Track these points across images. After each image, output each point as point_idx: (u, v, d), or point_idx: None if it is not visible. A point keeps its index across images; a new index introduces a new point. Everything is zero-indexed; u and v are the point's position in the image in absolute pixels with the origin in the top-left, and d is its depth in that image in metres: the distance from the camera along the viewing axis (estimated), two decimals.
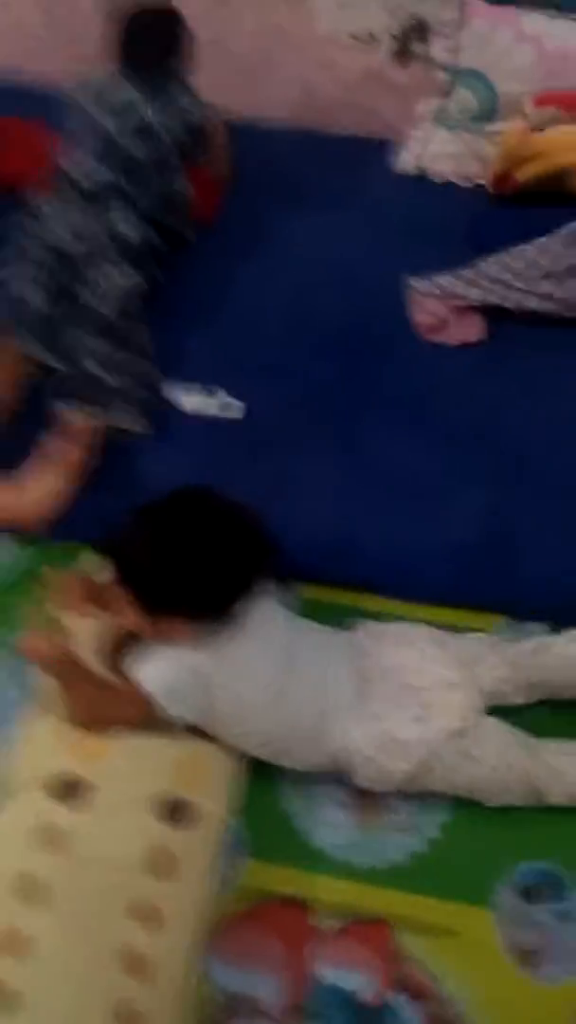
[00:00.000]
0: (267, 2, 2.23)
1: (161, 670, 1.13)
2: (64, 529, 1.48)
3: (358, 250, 1.90)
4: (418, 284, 1.74)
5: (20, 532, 1.49)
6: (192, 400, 1.66)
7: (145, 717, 1.13)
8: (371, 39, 2.21)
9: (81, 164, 1.86)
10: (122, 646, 1.20)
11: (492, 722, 1.20)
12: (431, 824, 1.23)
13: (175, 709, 1.13)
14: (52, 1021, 0.92)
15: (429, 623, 1.33)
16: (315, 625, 1.30)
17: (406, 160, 2.10)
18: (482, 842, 1.22)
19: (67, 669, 1.16)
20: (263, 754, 1.20)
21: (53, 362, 1.62)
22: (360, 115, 2.30)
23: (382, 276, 1.82)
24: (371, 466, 1.56)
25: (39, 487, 1.46)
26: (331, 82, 2.32)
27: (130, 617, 1.14)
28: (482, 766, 1.16)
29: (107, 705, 1.15)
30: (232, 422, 1.63)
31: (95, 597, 1.28)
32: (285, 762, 1.21)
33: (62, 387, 1.59)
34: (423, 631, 1.29)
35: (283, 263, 1.89)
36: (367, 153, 2.18)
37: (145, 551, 1.11)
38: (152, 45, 1.88)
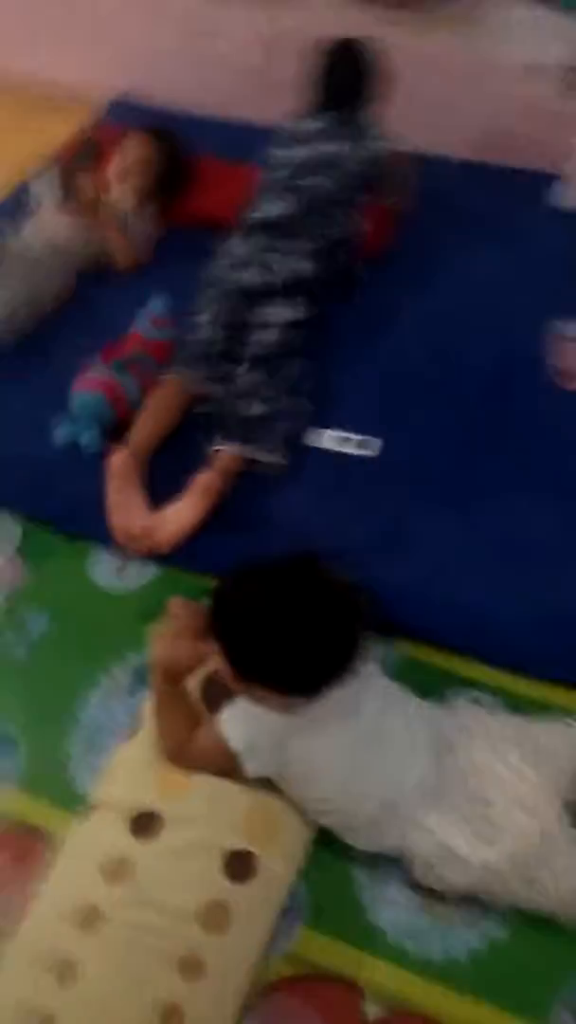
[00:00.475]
0: (444, 37, 2.19)
1: (241, 724, 1.15)
2: (194, 558, 1.55)
3: (513, 290, 1.92)
4: (567, 329, 1.67)
5: (156, 558, 1.57)
6: (331, 435, 1.68)
7: (226, 762, 1.16)
8: (545, 71, 2.13)
9: (268, 198, 1.93)
10: (219, 687, 1.25)
11: (570, 841, 1.13)
12: (497, 922, 1.18)
13: (251, 764, 1.15)
14: None
15: (527, 700, 1.28)
16: (412, 699, 1.27)
17: (570, 196, 2.04)
18: (548, 952, 1.16)
19: (168, 690, 1.21)
20: (329, 823, 1.20)
21: (213, 393, 1.70)
22: (532, 148, 2.23)
23: (533, 319, 1.83)
24: (489, 521, 1.54)
25: (178, 517, 1.53)
26: (504, 115, 2.27)
27: (221, 667, 1.17)
28: (548, 895, 1.10)
29: (195, 744, 1.19)
30: (364, 459, 1.64)
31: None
32: (349, 839, 1.20)
33: (214, 420, 1.66)
34: (511, 732, 1.22)
35: (439, 302, 1.93)
36: (534, 188, 2.15)
37: (243, 620, 1.10)
38: (344, 81, 1.90)
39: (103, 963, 1.02)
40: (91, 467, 1.63)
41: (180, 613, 1.28)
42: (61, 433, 1.70)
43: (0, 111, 2.90)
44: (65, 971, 1.01)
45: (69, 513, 1.65)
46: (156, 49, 2.64)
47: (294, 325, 1.79)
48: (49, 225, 2.04)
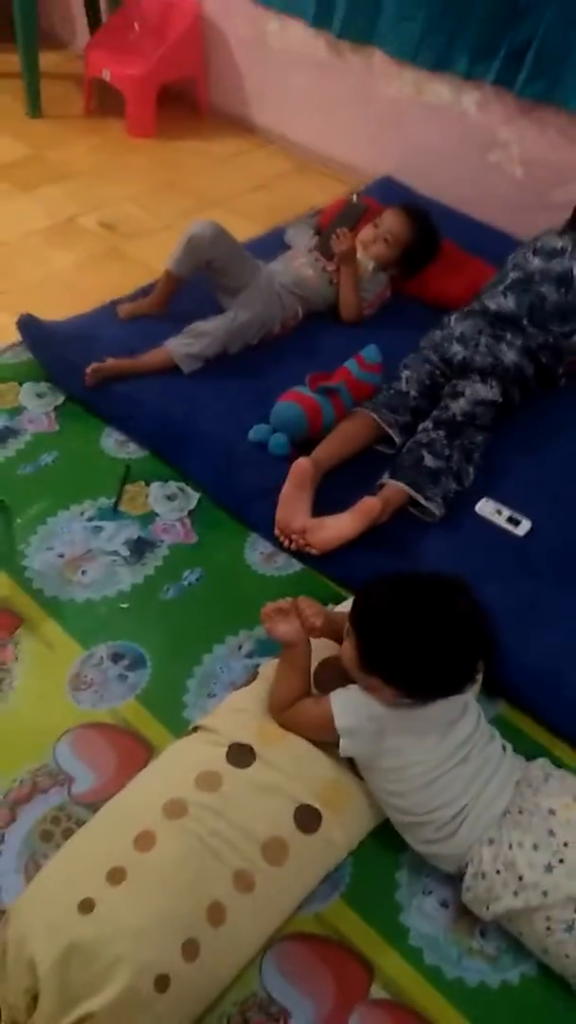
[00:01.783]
0: None
1: (350, 709, 1.30)
2: (336, 566, 1.73)
3: None
4: None
5: (302, 557, 1.77)
6: (488, 504, 1.84)
7: (324, 734, 1.32)
8: None
9: (495, 293, 2.15)
10: (335, 673, 1.41)
11: None
12: (513, 968, 1.26)
13: (347, 745, 1.29)
14: (135, 912, 1.11)
15: None
16: (501, 740, 1.39)
17: None
18: (550, 1011, 1.22)
19: (292, 656, 1.37)
20: (395, 818, 1.32)
21: (396, 437, 1.90)
22: None
23: None
24: None
25: (337, 526, 1.73)
26: None
27: (348, 657, 1.33)
28: None
29: (302, 709, 1.35)
30: (511, 536, 1.78)
31: (332, 629, 1.50)
32: (409, 838, 1.31)
33: (390, 459, 1.86)
34: None
35: None
36: None
37: (386, 620, 1.25)
38: None
39: (176, 846, 1.17)
40: (272, 466, 1.86)
41: (306, 608, 1.43)
42: (256, 433, 1.95)
43: (280, 165, 3.31)
44: (144, 840, 1.18)
45: (242, 498, 1.87)
46: (430, 146, 2.96)
47: (484, 403, 1.97)
48: (297, 265, 2.33)
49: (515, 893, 1.21)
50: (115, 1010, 1.05)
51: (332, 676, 1.41)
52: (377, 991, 1.22)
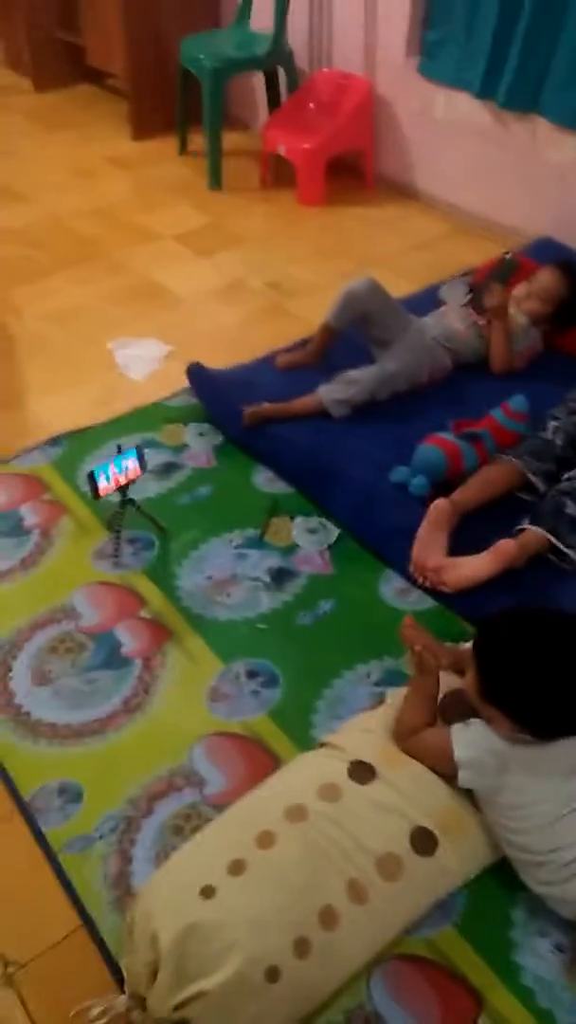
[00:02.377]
0: None
1: (472, 741, 1.32)
2: (468, 605, 1.76)
3: None
4: None
5: (435, 594, 1.81)
6: None
7: (442, 764, 1.35)
8: None
9: None
10: (461, 705, 1.43)
11: None
12: None
13: (467, 777, 1.31)
14: (252, 903, 1.17)
15: None
16: None
17: None
18: None
19: (421, 682, 1.42)
20: (513, 856, 1.32)
21: (540, 485, 1.92)
22: None
23: None
24: None
25: (472, 566, 1.76)
26: None
27: (468, 686, 1.36)
28: None
29: (424, 737, 1.39)
30: None
31: (458, 664, 1.53)
32: (526, 878, 1.31)
33: (531, 506, 1.88)
34: None
35: None
36: None
37: (506, 648, 1.29)
38: None
39: (295, 847, 1.23)
40: (411, 507, 1.92)
41: (436, 648, 1.48)
42: (397, 474, 2.03)
43: (440, 228, 3.44)
44: (265, 839, 1.25)
45: (381, 535, 1.95)
46: None
47: None
48: (448, 320, 2.42)
49: None
50: (226, 992, 1.11)
51: (457, 708, 1.43)
52: (484, 1022, 1.21)
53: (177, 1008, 1.12)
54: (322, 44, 3.68)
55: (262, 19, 3.64)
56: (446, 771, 1.35)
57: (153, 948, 1.16)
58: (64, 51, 4.51)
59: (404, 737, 1.41)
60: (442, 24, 3.18)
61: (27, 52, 4.54)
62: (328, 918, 1.19)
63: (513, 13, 2.86)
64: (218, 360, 2.46)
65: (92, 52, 4.26)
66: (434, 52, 3.26)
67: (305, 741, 1.54)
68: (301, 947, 1.16)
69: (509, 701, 1.28)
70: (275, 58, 3.62)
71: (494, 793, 1.31)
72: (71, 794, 1.48)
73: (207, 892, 1.19)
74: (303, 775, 1.38)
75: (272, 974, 1.13)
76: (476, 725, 1.34)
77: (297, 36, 3.68)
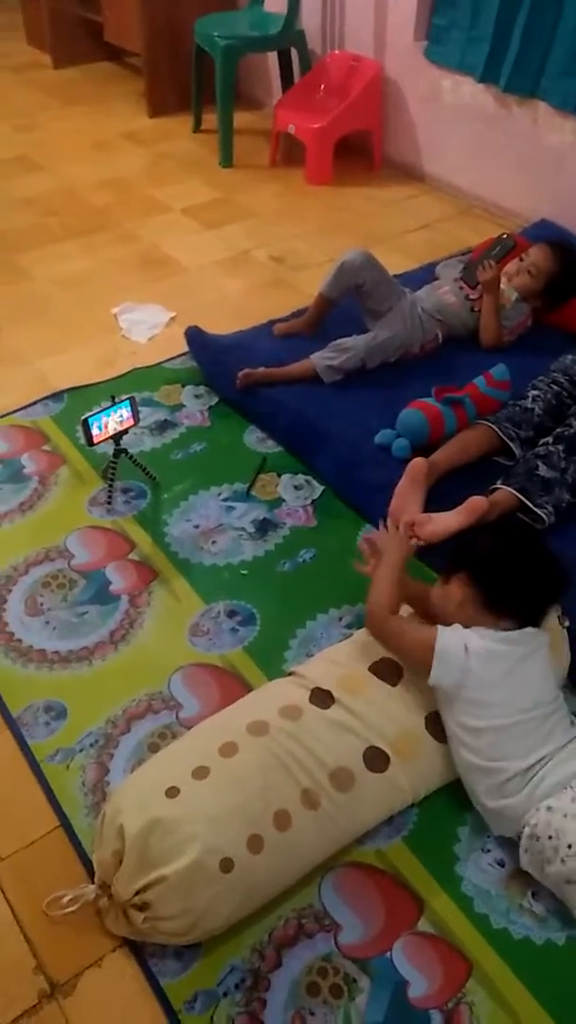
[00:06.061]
0: None
1: (449, 636, 1.41)
2: (437, 556, 1.85)
3: None
4: None
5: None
6: None
7: (415, 657, 1.44)
8: None
9: None
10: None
11: None
12: (560, 931, 1.31)
13: (437, 670, 1.39)
14: (212, 802, 1.27)
15: None
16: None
17: None
18: None
19: (399, 558, 1.58)
20: (465, 761, 1.39)
21: (516, 449, 2.01)
22: None
23: None
24: None
25: (444, 522, 1.85)
26: None
27: (449, 597, 1.48)
28: None
29: (407, 628, 1.48)
30: None
31: (408, 598, 1.62)
32: (474, 788, 1.40)
33: (508, 470, 1.97)
34: None
35: None
36: None
37: (508, 564, 1.46)
38: None
39: (254, 757, 1.34)
40: (392, 467, 2.01)
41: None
42: (381, 437, 2.12)
43: (444, 209, 3.52)
44: (228, 749, 1.35)
45: (362, 492, 2.04)
46: None
47: None
48: (441, 292, 2.50)
49: (563, 860, 1.28)
50: (183, 878, 1.21)
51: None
52: (424, 925, 1.32)
53: (139, 892, 1.23)
54: (334, 26, 3.75)
55: (276, 1, 3.72)
56: (417, 664, 1.43)
57: (119, 839, 1.26)
58: (83, 28, 4.61)
59: (382, 618, 1.49)
60: (448, 10, 3.25)
61: (47, 29, 4.64)
62: (281, 820, 1.30)
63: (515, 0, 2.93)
64: (220, 328, 2.56)
65: (110, 29, 4.36)
66: (440, 37, 3.33)
67: (277, 674, 1.64)
68: (255, 843, 1.26)
69: (505, 597, 1.44)
70: (287, 39, 3.70)
71: (459, 688, 1.38)
72: (56, 712, 1.59)
73: (171, 792, 1.29)
74: (268, 697, 1.48)
75: (227, 865, 1.23)
76: (457, 627, 1.44)
77: (310, 18, 3.76)
